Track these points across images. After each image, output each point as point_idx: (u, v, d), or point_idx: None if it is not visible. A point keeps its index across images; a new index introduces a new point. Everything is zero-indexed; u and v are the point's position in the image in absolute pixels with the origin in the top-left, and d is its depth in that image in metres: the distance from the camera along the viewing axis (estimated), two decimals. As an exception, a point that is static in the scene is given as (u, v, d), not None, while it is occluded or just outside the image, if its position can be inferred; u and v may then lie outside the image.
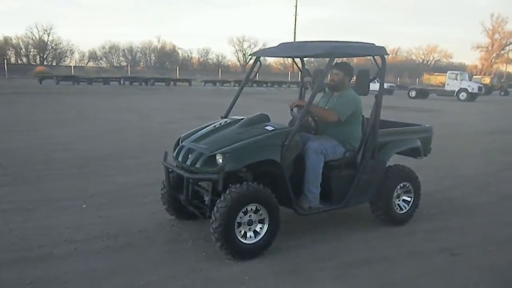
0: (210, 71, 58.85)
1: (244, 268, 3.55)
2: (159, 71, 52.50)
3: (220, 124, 4.21)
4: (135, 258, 3.68)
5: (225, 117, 4.50)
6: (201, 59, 75.04)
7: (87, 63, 68.68)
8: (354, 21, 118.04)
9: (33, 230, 4.17)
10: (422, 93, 34.49)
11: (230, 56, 78.40)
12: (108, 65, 67.85)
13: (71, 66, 52.63)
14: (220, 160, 3.60)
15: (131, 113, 15.14)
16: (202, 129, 4.23)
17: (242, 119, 4.15)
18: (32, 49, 68.17)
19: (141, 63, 71.40)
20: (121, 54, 73.22)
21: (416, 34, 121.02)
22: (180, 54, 73.90)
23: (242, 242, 3.65)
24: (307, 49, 4.38)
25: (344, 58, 5.06)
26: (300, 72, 5.21)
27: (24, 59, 67.05)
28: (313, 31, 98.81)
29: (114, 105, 18.34)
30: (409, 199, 4.76)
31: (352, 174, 4.31)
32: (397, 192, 4.63)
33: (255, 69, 4.79)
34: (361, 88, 4.25)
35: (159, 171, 4.95)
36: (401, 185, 4.65)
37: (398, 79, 57.27)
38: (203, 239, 4.06)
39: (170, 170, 4.12)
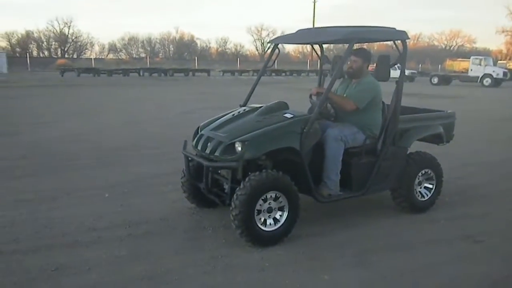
0: (229, 61, 58.87)
1: (264, 255, 3.57)
2: (178, 62, 52.77)
3: (239, 112, 4.20)
4: (156, 245, 3.74)
5: (244, 105, 4.50)
6: (220, 49, 75.10)
7: (107, 55, 69.53)
8: (375, 6, 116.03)
9: (57, 218, 4.27)
10: (445, 80, 33.78)
11: (249, 46, 78.39)
12: (128, 56, 68.56)
13: (91, 59, 53.34)
14: (239, 148, 3.61)
15: (150, 104, 15.28)
16: (221, 117, 4.23)
17: (261, 107, 4.14)
18: (53, 42, 69.33)
19: (160, 54, 71.89)
20: (140, 45, 73.95)
21: (438, 19, 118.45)
22: (199, 45, 74.13)
23: (262, 229, 3.66)
24: (325, 35, 4.32)
25: (363, 44, 4.97)
26: (319, 59, 5.15)
27: (46, 52, 68.24)
28: (332, 18, 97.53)
29: (133, 96, 18.52)
30: (430, 186, 4.69)
31: (373, 161, 4.26)
32: (418, 179, 4.57)
33: (273, 57, 4.75)
34: (381, 74, 4.18)
35: (178, 161, 5.00)
36: (423, 172, 4.58)
37: (420, 65, 56.21)
38: (223, 227, 4.09)
39: (189, 158, 4.15)
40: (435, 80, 33.80)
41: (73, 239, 3.81)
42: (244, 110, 4.24)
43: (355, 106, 4.14)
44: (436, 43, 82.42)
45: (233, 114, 4.19)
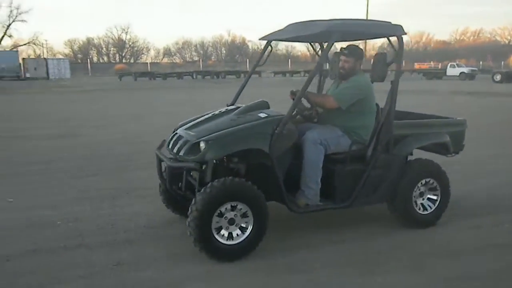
0: (280, 62, 58.87)
1: (312, 256, 3.55)
2: (229, 64, 53.59)
3: (220, 111, 3.97)
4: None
5: (232, 105, 4.23)
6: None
7: (162, 59, 71.92)
8: (433, 2, 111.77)
9: (119, 216, 4.47)
10: (509, 77, 31.96)
11: (300, 46, 77.66)
12: (181, 60, 70.51)
13: (147, 63, 55.32)
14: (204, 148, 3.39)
15: (202, 106, 15.58)
16: (201, 117, 4.02)
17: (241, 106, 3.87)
18: (112, 48, 72.59)
19: (213, 57, 73.33)
20: (193, 49, 75.83)
21: (501, 13, 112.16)
22: (250, 47, 74.82)
23: (220, 242, 3.34)
24: (306, 30, 3.79)
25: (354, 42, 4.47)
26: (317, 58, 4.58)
27: (105, 58, 71.57)
28: (384, 15, 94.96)
29: (187, 99, 19.01)
30: (434, 198, 4.14)
31: (361, 169, 3.82)
32: (418, 190, 4.06)
33: (265, 54, 4.43)
34: (377, 73, 3.79)
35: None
36: (423, 182, 4.05)
37: (481, 62, 53.57)
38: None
39: (160, 159, 3.90)
40: (498, 77, 32.06)
41: (134, 236, 3.98)
42: (226, 109, 3.99)
43: (336, 104, 3.75)
44: (498, 38, 78.23)
45: (214, 113, 3.96)
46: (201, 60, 55.95)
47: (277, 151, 3.44)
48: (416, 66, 57.09)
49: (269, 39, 4.28)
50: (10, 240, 3.86)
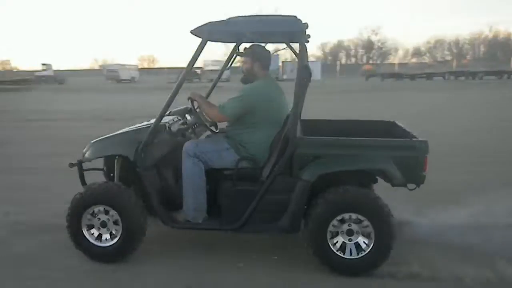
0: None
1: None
2: (489, 64, 47.72)
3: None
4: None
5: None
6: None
7: (410, 59, 69.76)
8: None
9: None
10: None
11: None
12: (432, 60, 66.98)
13: (394, 64, 54.43)
14: None
15: (460, 111, 14.11)
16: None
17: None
18: (360, 50, 74.49)
19: (468, 56, 67.02)
20: (446, 48, 70.94)
21: None
22: (517, 43, 65.11)
23: (93, 244, 3.37)
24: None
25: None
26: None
27: (353, 59, 73.94)
28: None
29: (434, 101, 17.70)
30: (365, 239, 3.14)
31: (253, 190, 3.25)
32: (340, 227, 3.15)
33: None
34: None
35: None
36: (345, 217, 3.12)
37: None
38: None
39: None
40: None
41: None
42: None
43: (222, 115, 3.33)
44: None
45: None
46: (454, 60, 51.65)
47: (146, 161, 3.32)
48: None
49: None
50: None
